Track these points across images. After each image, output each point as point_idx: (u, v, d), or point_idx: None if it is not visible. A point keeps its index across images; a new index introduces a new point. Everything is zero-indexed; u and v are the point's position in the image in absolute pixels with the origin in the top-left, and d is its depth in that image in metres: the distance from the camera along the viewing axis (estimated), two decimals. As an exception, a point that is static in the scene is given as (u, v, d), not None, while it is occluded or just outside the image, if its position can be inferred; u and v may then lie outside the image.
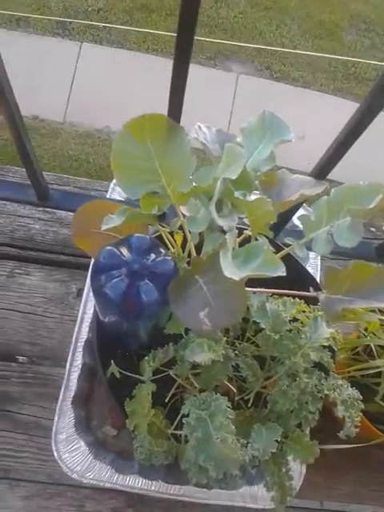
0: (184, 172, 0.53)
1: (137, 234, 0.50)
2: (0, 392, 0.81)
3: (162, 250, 0.50)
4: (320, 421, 0.60)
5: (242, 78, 3.54)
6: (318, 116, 3.30)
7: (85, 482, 0.72)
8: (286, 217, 0.77)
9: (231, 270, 0.43)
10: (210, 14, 3.63)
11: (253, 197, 0.51)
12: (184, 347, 0.56)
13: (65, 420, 0.75)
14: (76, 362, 0.78)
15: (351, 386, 0.76)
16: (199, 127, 0.54)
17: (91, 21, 3.56)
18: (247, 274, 0.44)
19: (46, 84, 3.34)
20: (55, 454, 0.73)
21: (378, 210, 0.53)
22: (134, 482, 0.75)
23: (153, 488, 0.74)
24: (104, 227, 0.50)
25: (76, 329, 0.78)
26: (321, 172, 0.61)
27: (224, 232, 0.50)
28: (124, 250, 0.47)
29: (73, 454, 0.74)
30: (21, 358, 0.84)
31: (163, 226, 0.56)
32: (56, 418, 0.74)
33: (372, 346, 0.75)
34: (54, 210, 0.87)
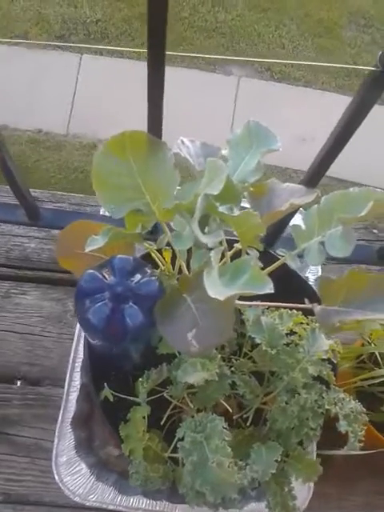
0: (168, 188, 0.52)
1: (119, 256, 0.48)
2: (0, 414, 0.80)
3: (148, 270, 0.49)
4: (327, 431, 0.58)
5: (243, 81, 3.53)
6: (321, 114, 3.28)
7: (88, 504, 0.71)
8: (281, 225, 0.75)
9: (216, 290, 0.41)
10: (208, 18, 3.62)
11: (238, 211, 0.50)
12: (177, 367, 0.54)
13: (65, 442, 0.74)
14: (74, 382, 0.76)
15: (357, 396, 0.75)
16: (182, 141, 0.53)
17: (90, 32, 3.57)
18: (233, 294, 0.42)
19: (48, 97, 3.35)
20: (56, 477, 0.71)
21: (370, 217, 0.51)
22: (138, 503, 0.73)
23: (157, 508, 0.73)
24: (87, 249, 0.48)
25: (73, 348, 0.77)
26: (311, 179, 0.60)
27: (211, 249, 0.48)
28: (107, 273, 0.46)
29: (74, 477, 0.73)
30: (19, 382, 0.83)
31: (150, 244, 0.54)
32: (56, 441, 0.73)
33: (377, 353, 0.73)
34: (49, 228, 0.86)
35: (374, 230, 0.98)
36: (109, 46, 3.53)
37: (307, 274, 0.87)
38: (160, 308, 0.47)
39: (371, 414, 0.74)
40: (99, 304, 0.45)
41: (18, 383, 0.81)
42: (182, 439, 0.51)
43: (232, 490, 0.49)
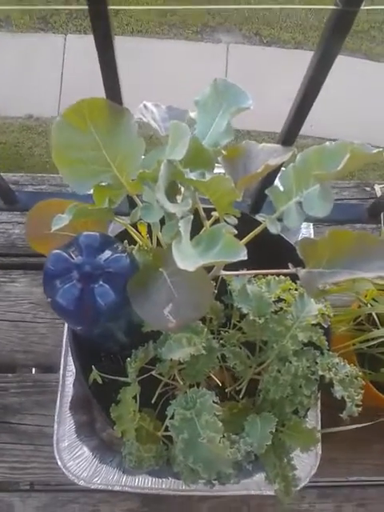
0: (134, 157, 0.49)
1: (85, 233, 0.46)
2: (-1, 404, 0.80)
3: (118, 246, 0.47)
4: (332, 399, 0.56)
5: (233, 47, 3.44)
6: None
7: (93, 487, 0.70)
8: (265, 187, 0.72)
9: (185, 261, 0.39)
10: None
11: (209, 176, 0.47)
12: (162, 344, 0.52)
13: (65, 427, 0.73)
14: (69, 366, 0.75)
15: (357, 358, 0.73)
16: (145, 106, 0.50)
17: (71, 11, 3.48)
18: (204, 263, 0.40)
19: (36, 81, 3.29)
20: (59, 463, 0.71)
21: (347, 170, 0.48)
22: (144, 483, 0.72)
23: (164, 486, 0.72)
24: (54, 228, 0.46)
25: (65, 332, 0.75)
26: (287, 138, 0.57)
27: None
28: (74, 252, 0.44)
29: (77, 461, 0.72)
30: (17, 368, 0.82)
31: (123, 219, 0.52)
32: (55, 426, 0.72)
33: (374, 314, 0.70)
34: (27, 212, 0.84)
35: (367, 188, 0.95)
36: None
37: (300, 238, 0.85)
38: (133, 284, 0.45)
39: (372, 374, 0.73)
40: (68, 285, 0.43)
41: (15, 369, 0.80)
42: (172, 418, 0.50)
43: (226, 465, 0.47)
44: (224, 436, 0.49)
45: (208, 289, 0.44)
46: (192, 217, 0.44)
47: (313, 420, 0.74)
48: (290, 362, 0.54)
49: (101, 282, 0.43)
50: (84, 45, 3.45)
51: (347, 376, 0.55)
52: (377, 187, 0.88)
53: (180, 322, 0.43)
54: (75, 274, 0.43)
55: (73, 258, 0.44)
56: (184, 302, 0.43)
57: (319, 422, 0.74)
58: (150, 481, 0.72)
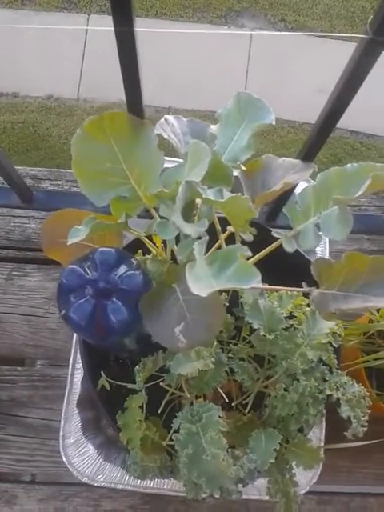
0: (153, 171, 0.49)
1: (101, 249, 0.46)
2: (8, 397, 0.81)
3: (133, 262, 0.47)
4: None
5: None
6: (339, 64, 3.13)
7: (96, 484, 0.72)
8: (283, 197, 0.71)
9: (198, 285, 0.39)
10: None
11: (228, 193, 0.47)
12: (171, 357, 0.53)
13: (71, 424, 0.74)
14: (78, 363, 0.76)
15: (366, 372, 0.73)
16: (166, 120, 0.50)
17: (95, -10, 3.44)
18: (217, 288, 0.39)
19: (57, 61, 3.28)
20: (64, 459, 0.72)
21: (368, 193, 0.48)
22: (147, 482, 0.73)
23: (166, 486, 0.73)
24: (70, 241, 0.46)
25: (75, 334, 0.76)
26: (308, 153, 0.56)
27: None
28: (89, 267, 0.44)
29: (82, 458, 0.73)
30: (26, 361, 0.83)
31: (139, 231, 0.52)
32: (62, 423, 0.73)
33: (385, 330, 0.70)
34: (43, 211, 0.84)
35: (388, 196, 0.93)
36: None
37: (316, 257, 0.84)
38: (146, 301, 0.45)
39: (381, 394, 0.73)
40: (81, 301, 0.43)
41: (26, 363, 0.81)
42: (177, 431, 0.50)
43: (229, 481, 0.48)
44: (228, 451, 0.50)
45: (220, 311, 0.44)
46: (207, 238, 0.43)
47: (317, 430, 0.74)
48: (298, 381, 0.54)
49: (114, 299, 0.43)
50: (106, 25, 3.42)
51: (354, 396, 0.55)
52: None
53: (190, 342, 0.43)
54: (89, 289, 0.43)
55: (87, 274, 0.44)
56: (196, 323, 0.43)
57: (323, 433, 0.74)
58: (153, 481, 0.73)
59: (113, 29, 0.47)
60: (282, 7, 3.43)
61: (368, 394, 0.61)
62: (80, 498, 0.79)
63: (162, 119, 0.49)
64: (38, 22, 3.46)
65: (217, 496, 0.50)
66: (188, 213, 0.48)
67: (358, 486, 0.86)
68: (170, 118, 0.50)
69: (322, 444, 0.72)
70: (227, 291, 0.61)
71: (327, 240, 0.81)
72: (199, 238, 0.45)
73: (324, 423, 0.74)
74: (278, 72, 3.07)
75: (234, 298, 0.62)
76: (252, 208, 0.47)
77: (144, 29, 0.44)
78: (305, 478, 0.73)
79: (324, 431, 0.73)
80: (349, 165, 0.49)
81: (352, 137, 2.72)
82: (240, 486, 0.50)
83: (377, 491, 0.87)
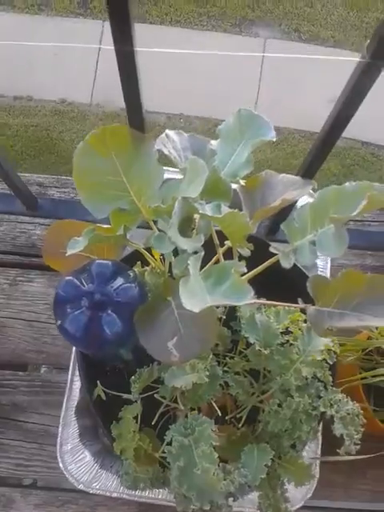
0: (152, 185, 0.50)
1: (98, 261, 0.47)
2: (8, 401, 0.82)
3: (130, 274, 0.47)
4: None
5: (270, 43, 3.40)
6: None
7: (91, 492, 0.72)
8: (283, 212, 0.72)
9: (191, 301, 0.39)
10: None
11: (226, 208, 0.47)
12: (166, 369, 0.53)
13: (69, 430, 0.75)
14: (77, 371, 0.76)
15: (363, 389, 0.73)
16: (167, 136, 0.50)
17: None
18: (210, 304, 0.40)
19: (72, 66, 3.31)
20: (61, 465, 0.72)
21: (365, 212, 0.48)
22: (142, 492, 0.74)
23: (160, 496, 0.73)
24: (69, 251, 0.47)
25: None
26: (308, 170, 0.56)
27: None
28: (85, 279, 0.45)
29: (78, 465, 0.73)
30: (29, 367, 0.84)
31: (136, 244, 0.52)
32: (60, 429, 0.74)
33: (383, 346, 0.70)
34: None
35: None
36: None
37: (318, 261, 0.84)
38: (141, 313, 0.45)
39: (379, 407, 0.73)
40: (76, 313, 0.43)
41: (27, 368, 0.82)
42: (170, 443, 0.50)
43: (219, 496, 0.48)
44: (219, 466, 0.50)
45: (214, 325, 0.45)
46: (203, 253, 0.44)
47: (313, 444, 0.74)
48: (292, 397, 0.54)
49: (109, 311, 0.44)
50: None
51: (348, 414, 0.55)
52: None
53: (184, 356, 0.43)
54: (85, 301, 0.44)
55: (84, 285, 0.44)
56: (189, 337, 0.44)
57: (319, 447, 0.74)
58: (148, 491, 0.74)
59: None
60: (296, 17, 3.44)
61: (363, 411, 0.61)
62: (76, 505, 0.79)
63: (163, 134, 0.50)
64: (53, 27, 3.50)
65: (207, 509, 0.51)
66: (185, 227, 0.49)
67: (354, 502, 0.86)
68: (171, 133, 0.51)
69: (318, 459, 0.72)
70: (225, 305, 0.61)
71: (329, 260, 0.81)
72: (196, 253, 0.46)
73: (320, 438, 0.74)
74: (291, 81, 3.08)
75: (231, 311, 0.62)
76: (249, 224, 0.47)
77: (145, 49, 0.44)
78: (300, 493, 0.72)
79: (320, 446, 0.72)
80: (347, 183, 0.49)
81: (363, 148, 2.72)
82: (231, 500, 0.51)
83: (372, 508, 0.86)
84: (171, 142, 0.51)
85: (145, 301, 0.47)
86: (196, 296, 0.41)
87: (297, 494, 0.72)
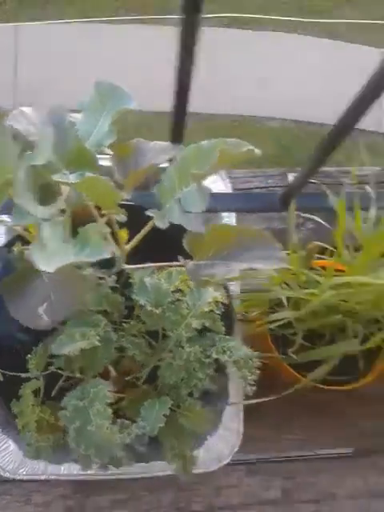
0: (7, 162, 0.50)
1: None
2: None
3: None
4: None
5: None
6: (278, 58, 3.17)
7: (18, 478, 0.73)
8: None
9: (43, 262, 0.41)
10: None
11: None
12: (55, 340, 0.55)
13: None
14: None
15: (271, 339, 0.77)
16: (21, 112, 0.51)
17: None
18: (65, 263, 0.42)
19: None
20: (-16, 458, 0.73)
21: (222, 168, 0.51)
22: (70, 470, 0.75)
23: (89, 471, 0.75)
24: None
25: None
26: (176, 134, 0.59)
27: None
28: None
29: (2, 454, 0.74)
30: None
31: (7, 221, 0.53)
32: (-21, 420, 0.74)
33: (283, 298, 0.73)
34: None
35: (291, 174, 0.97)
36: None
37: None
38: (7, 285, 0.47)
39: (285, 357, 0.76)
40: None
41: None
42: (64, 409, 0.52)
43: (116, 449, 0.50)
44: (118, 422, 0.52)
45: (81, 286, 0.47)
46: (62, 219, 0.46)
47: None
48: (184, 348, 0.57)
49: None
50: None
51: (242, 358, 0.58)
52: (290, 176, 0.91)
53: (54, 319, 0.45)
54: None
55: None
56: (60, 301, 0.45)
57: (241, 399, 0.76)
58: (75, 468, 0.75)
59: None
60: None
61: (272, 358, 0.64)
62: (9, 495, 0.79)
63: (16, 110, 0.51)
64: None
65: (108, 465, 0.53)
66: (49, 198, 0.50)
67: (286, 452, 0.90)
68: (26, 109, 0.52)
69: (242, 410, 0.75)
70: (117, 273, 0.63)
71: (234, 215, 0.83)
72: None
73: (241, 392, 0.77)
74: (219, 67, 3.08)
75: (125, 280, 0.64)
76: (114, 188, 0.49)
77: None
78: (226, 448, 0.76)
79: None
80: (204, 142, 0.52)
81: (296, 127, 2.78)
82: (131, 455, 0.53)
83: (303, 456, 0.91)
84: (26, 117, 0.52)
85: (10, 272, 0.48)
86: (54, 258, 0.42)
87: (224, 449, 0.76)
